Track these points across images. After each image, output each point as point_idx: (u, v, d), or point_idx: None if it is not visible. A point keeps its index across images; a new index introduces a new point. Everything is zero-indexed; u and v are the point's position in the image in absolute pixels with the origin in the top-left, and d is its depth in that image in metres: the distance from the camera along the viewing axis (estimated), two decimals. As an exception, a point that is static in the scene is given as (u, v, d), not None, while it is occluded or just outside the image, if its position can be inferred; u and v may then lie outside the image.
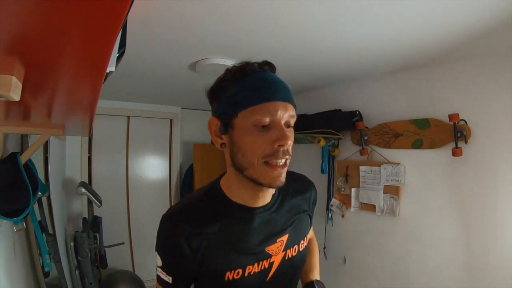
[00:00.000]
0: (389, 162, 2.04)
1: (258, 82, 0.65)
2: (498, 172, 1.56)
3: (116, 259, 3.10)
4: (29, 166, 1.30)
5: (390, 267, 2.04)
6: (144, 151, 3.49)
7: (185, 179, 3.60)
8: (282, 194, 0.79)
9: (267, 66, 0.69)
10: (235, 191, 0.72)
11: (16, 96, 0.47)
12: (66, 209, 2.88)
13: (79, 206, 3.01)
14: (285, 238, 0.75)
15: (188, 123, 3.76)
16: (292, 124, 0.68)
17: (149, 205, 3.48)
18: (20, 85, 0.49)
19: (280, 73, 0.73)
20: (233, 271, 0.68)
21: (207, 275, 0.69)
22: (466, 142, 1.66)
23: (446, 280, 1.75)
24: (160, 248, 0.70)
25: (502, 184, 1.54)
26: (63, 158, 2.91)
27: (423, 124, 1.86)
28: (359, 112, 2.19)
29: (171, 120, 3.62)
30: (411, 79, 1.95)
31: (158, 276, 0.71)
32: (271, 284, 0.73)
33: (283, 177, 0.66)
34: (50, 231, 1.96)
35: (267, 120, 0.63)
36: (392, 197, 2.01)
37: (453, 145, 1.70)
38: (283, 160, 0.65)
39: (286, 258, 0.75)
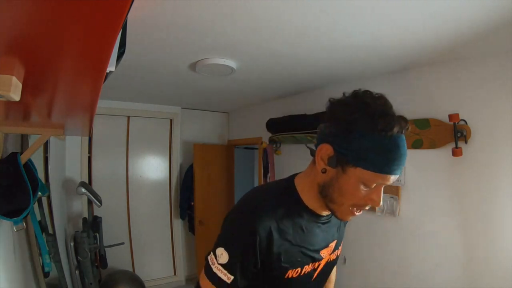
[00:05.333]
0: (389, 162, 2.04)
1: (393, 152, 0.64)
2: (498, 172, 1.56)
3: (116, 259, 3.10)
4: (29, 166, 1.30)
5: (390, 267, 2.04)
6: (144, 151, 3.49)
7: (185, 179, 3.60)
8: None
9: (406, 129, 0.66)
10: (310, 199, 0.76)
11: (16, 96, 0.47)
12: (66, 209, 2.88)
13: (79, 206, 3.01)
14: (333, 244, 0.85)
15: (188, 123, 3.76)
16: None
17: (149, 205, 3.48)
18: (20, 85, 0.49)
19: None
20: (294, 270, 0.75)
21: (270, 270, 0.73)
22: (466, 142, 1.66)
23: (446, 280, 1.75)
24: (232, 243, 0.71)
25: (502, 184, 1.54)
26: (63, 158, 2.91)
27: (423, 124, 1.86)
28: (359, 112, 2.18)
29: (171, 120, 3.62)
30: (411, 79, 1.95)
31: (213, 275, 0.69)
32: (314, 282, 0.83)
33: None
34: (50, 231, 1.96)
35: (375, 185, 0.67)
36: (392, 197, 2.01)
37: (453, 145, 1.70)
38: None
39: (328, 260, 0.85)
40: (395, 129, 0.63)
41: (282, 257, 0.72)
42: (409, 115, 1.92)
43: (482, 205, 1.62)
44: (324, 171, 0.71)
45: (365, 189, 0.67)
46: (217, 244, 0.72)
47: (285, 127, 2.68)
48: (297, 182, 0.79)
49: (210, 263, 0.71)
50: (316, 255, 0.78)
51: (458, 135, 1.67)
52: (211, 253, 0.72)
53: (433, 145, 1.81)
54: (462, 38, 1.41)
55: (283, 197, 0.76)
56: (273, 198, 0.76)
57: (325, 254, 0.81)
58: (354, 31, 1.38)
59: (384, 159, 0.63)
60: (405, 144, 0.66)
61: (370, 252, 2.16)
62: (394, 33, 1.39)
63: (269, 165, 2.98)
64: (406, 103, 1.97)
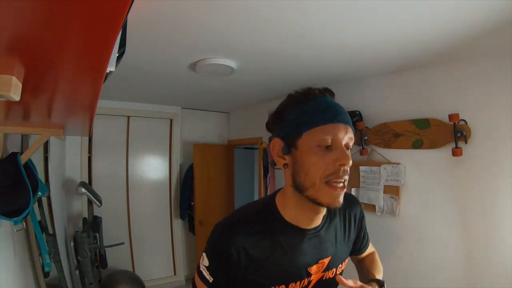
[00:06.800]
0: (389, 162, 2.04)
1: (321, 105, 0.69)
2: (498, 172, 1.56)
3: (116, 259, 3.10)
4: (29, 166, 1.30)
5: (390, 267, 2.04)
6: (144, 151, 3.49)
7: (185, 179, 3.60)
8: (330, 215, 0.81)
9: (328, 92, 0.72)
10: (291, 211, 0.74)
11: (16, 96, 0.47)
12: (66, 209, 2.88)
13: (79, 206, 3.01)
14: (327, 260, 0.79)
15: (188, 123, 3.76)
16: (351, 146, 0.71)
17: (149, 205, 3.48)
18: (20, 85, 0.49)
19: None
20: (277, 286, 0.72)
21: (250, 284, 0.72)
22: (466, 142, 1.66)
23: (446, 280, 1.75)
24: (210, 253, 0.73)
25: (502, 184, 1.54)
26: (63, 158, 2.91)
27: (423, 124, 1.86)
28: (359, 112, 2.18)
29: (171, 120, 3.62)
30: (411, 79, 1.95)
31: (200, 272, 0.74)
32: None
33: (341, 199, 0.69)
34: (50, 231, 1.96)
35: (329, 140, 0.66)
36: (392, 197, 2.01)
37: (453, 145, 1.70)
38: (342, 181, 0.68)
39: (324, 278, 0.80)
40: (315, 92, 0.70)
41: (259, 275, 0.71)
42: (409, 115, 1.94)
43: (482, 205, 1.62)
44: (286, 166, 0.73)
45: (326, 153, 0.66)
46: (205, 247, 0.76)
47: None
48: (278, 198, 0.77)
49: (200, 262, 0.75)
50: (302, 273, 0.75)
51: (458, 135, 1.67)
52: (202, 253, 0.76)
53: (433, 145, 1.81)
54: (462, 38, 1.41)
55: (262, 216, 0.75)
56: (251, 217, 0.75)
57: (314, 270, 0.77)
58: (354, 31, 1.38)
59: (318, 113, 0.68)
60: (335, 101, 0.72)
61: (370, 252, 2.16)
62: (394, 33, 1.39)
63: (269, 165, 2.98)
64: (406, 103, 1.97)
